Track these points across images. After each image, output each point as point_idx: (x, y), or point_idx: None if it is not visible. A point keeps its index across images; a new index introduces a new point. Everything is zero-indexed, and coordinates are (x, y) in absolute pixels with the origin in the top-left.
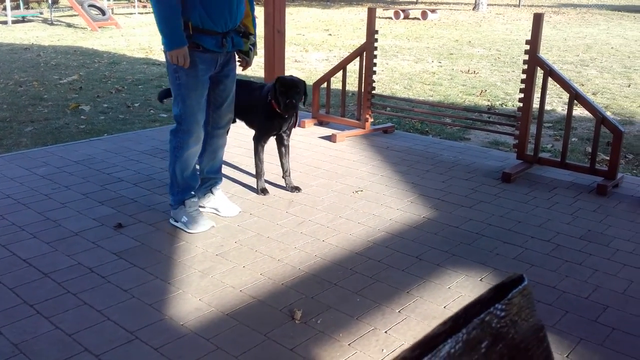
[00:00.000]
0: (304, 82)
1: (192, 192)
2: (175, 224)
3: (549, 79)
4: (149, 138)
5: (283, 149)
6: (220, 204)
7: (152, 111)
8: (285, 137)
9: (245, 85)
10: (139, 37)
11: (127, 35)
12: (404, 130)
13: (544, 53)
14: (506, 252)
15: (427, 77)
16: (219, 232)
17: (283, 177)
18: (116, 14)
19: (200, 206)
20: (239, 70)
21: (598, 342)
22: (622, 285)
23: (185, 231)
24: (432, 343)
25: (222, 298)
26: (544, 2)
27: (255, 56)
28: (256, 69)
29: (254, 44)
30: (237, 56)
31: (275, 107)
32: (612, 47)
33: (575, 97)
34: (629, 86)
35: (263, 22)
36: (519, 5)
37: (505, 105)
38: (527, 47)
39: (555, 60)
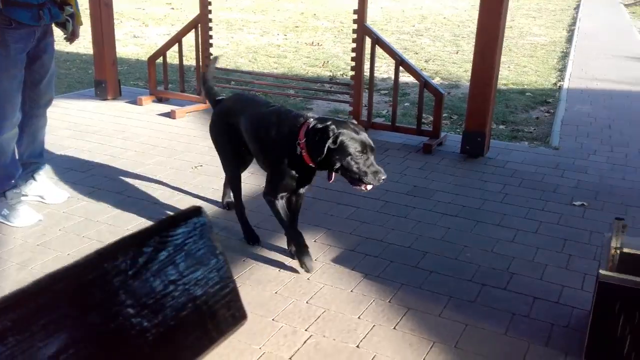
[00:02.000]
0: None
1: (13, 182)
2: None
3: (377, 47)
4: None
5: (297, 204)
6: (45, 191)
7: None
8: (302, 193)
9: (256, 105)
10: None
11: None
12: None
13: (383, 25)
14: (339, 212)
15: (272, 50)
16: (42, 221)
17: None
18: None
19: (22, 195)
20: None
21: (417, 285)
22: (440, 232)
23: (7, 225)
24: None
25: None
26: None
27: (80, 26)
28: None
29: (72, 15)
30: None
31: (308, 162)
32: (444, 17)
33: (400, 63)
34: (457, 53)
35: None
36: None
37: (346, 75)
38: (355, 16)
39: (394, 30)
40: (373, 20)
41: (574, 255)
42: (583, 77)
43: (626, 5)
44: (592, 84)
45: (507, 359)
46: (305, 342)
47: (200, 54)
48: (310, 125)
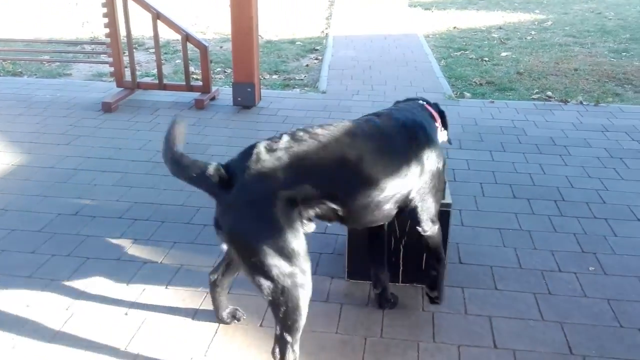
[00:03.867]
0: None
1: None
2: None
3: (130, 1)
4: None
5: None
6: None
7: None
8: None
9: (328, 142)
10: None
11: None
12: None
13: None
14: (105, 180)
15: (20, 12)
16: None
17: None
18: None
19: None
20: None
21: (190, 241)
22: None
23: None
24: None
25: None
26: None
27: None
28: None
29: None
30: None
31: None
32: None
33: (157, 17)
34: None
35: None
36: None
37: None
38: None
39: None
40: None
41: None
42: (347, 24)
43: None
44: (355, 30)
45: None
46: (65, 322)
47: None
48: (428, 105)
